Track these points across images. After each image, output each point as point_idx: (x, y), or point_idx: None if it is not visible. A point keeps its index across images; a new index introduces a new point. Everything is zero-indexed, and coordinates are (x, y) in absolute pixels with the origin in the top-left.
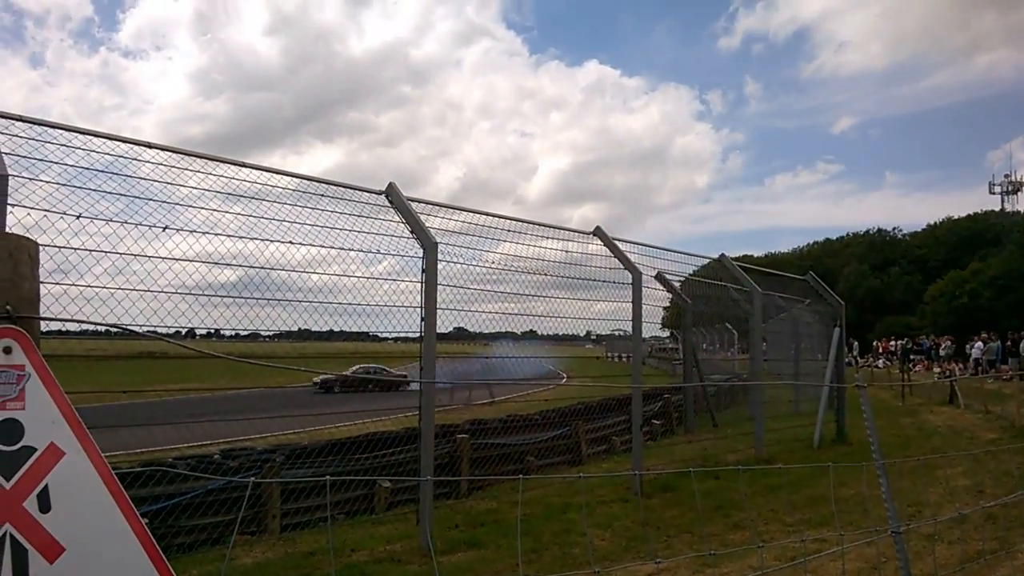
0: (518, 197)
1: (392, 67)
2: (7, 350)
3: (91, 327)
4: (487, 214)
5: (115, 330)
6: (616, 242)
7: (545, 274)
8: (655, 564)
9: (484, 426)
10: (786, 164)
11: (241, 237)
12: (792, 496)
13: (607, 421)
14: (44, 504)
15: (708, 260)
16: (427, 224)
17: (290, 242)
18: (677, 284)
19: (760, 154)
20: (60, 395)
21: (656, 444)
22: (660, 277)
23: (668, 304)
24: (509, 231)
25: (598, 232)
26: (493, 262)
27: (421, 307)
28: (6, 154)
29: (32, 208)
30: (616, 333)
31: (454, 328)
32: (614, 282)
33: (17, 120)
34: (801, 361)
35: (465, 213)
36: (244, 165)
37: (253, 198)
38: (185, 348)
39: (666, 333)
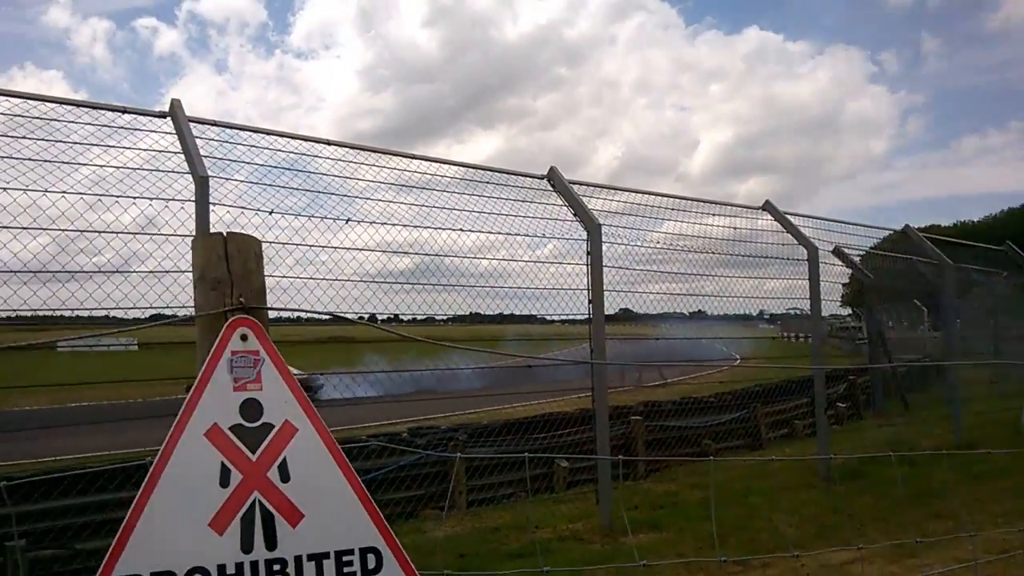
0: (680, 174)
1: (547, 49)
2: (244, 337)
3: (288, 314)
4: (649, 193)
5: (304, 316)
6: (788, 216)
7: (712, 252)
8: (856, 550)
9: (658, 408)
10: (973, 125)
11: (414, 226)
12: (1000, 484)
13: (787, 404)
14: (284, 474)
15: (890, 232)
16: (588, 206)
17: (459, 229)
18: (857, 259)
19: (943, 116)
20: (289, 377)
21: (842, 428)
22: (838, 252)
23: (848, 280)
24: (672, 209)
25: (768, 207)
26: (657, 242)
27: (588, 289)
28: (204, 157)
29: (231, 206)
30: (792, 312)
31: (620, 309)
32: (787, 259)
33: (212, 125)
34: (1001, 339)
35: (626, 193)
36: (413, 157)
37: (423, 188)
38: (388, 332)
39: (847, 311)
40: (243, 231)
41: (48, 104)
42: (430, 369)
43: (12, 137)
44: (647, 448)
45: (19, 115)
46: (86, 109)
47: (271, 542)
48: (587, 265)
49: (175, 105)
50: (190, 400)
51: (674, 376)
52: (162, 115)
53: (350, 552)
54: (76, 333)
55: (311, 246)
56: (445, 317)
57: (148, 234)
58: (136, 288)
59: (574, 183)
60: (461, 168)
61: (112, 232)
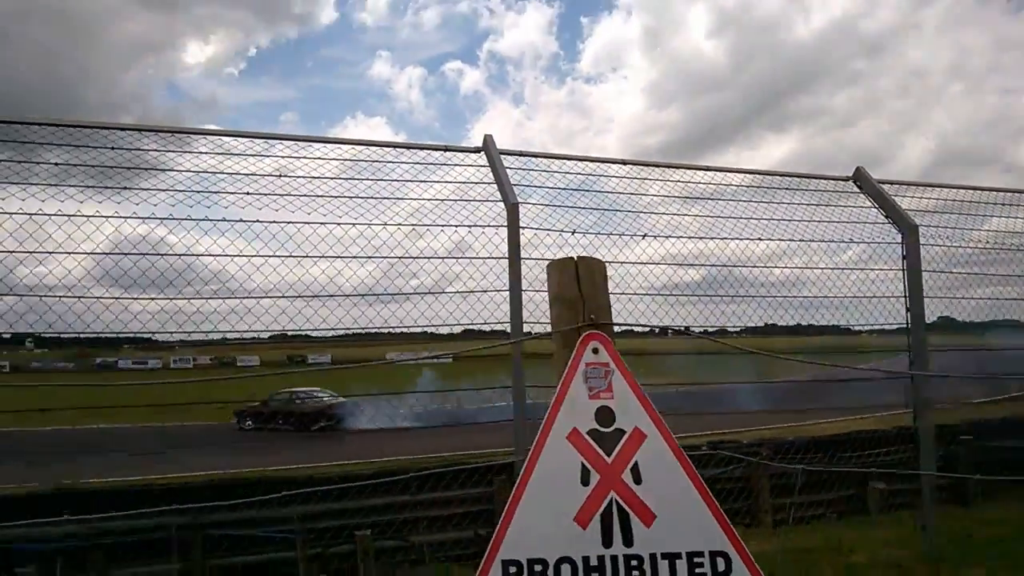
0: (1007, 163)
1: (842, 45)
2: (595, 351)
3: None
4: (970, 188)
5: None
6: None
7: None
8: None
9: (989, 426)
10: None
11: (701, 237)
12: None
13: None
14: (637, 477)
15: None
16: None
17: (750, 238)
18: None
19: None
20: (637, 387)
21: None
22: None
23: None
24: (1000, 204)
25: None
26: (979, 241)
27: (905, 296)
28: (514, 184)
29: (537, 229)
30: None
31: (939, 317)
32: None
33: (518, 155)
34: None
35: (942, 189)
36: (699, 168)
37: (711, 199)
38: (723, 344)
39: None
40: (541, 251)
41: (378, 148)
42: (707, 384)
43: (349, 179)
44: (977, 471)
45: (353, 159)
46: (413, 150)
47: (628, 539)
48: (902, 270)
49: (488, 140)
50: (553, 406)
51: (1009, 392)
52: (476, 150)
53: (700, 554)
54: (405, 348)
55: (610, 262)
56: (737, 329)
57: (467, 258)
58: (458, 307)
59: (883, 182)
60: (750, 175)
61: (435, 257)
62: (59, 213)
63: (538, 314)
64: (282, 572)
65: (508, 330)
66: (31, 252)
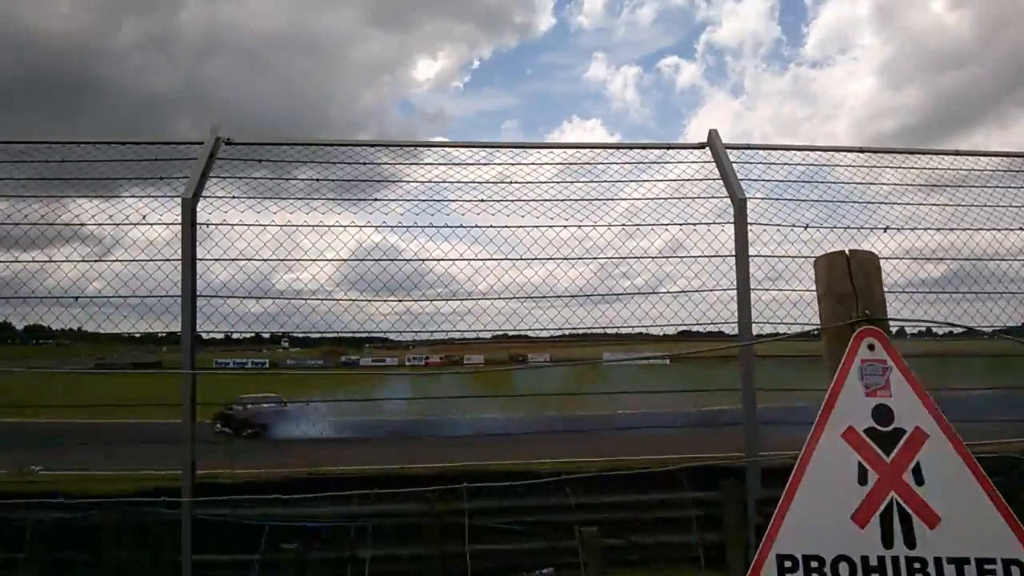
0: None
1: None
2: (871, 347)
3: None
4: None
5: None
6: None
7: None
8: None
9: None
10: None
11: (947, 229)
12: None
13: None
14: (918, 478)
15: None
16: None
17: (1003, 228)
18: None
19: None
20: (918, 385)
21: None
22: None
23: None
24: None
25: None
26: None
27: None
28: (742, 179)
29: (766, 225)
30: None
31: None
32: None
33: (744, 149)
34: None
35: None
36: (943, 153)
37: (956, 186)
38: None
39: None
40: (771, 247)
41: (595, 150)
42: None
43: (565, 182)
44: None
45: (576, 162)
46: (635, 150)
47: (910, 541)
48: None
49: (712, 135)
50: (827, 403)
51: None
52: (700, 146)
53: (991, 561)
54: (623, 348)
55: None
56: (991, 329)
57: (691, 257)
58: (683, 307)
59: None
60: (1004, 158)
61: (659, 257)
62: (317, 224)
63: (768, 314)
64: (509, 563)
65: (725, 331)
66: (296, 260)
